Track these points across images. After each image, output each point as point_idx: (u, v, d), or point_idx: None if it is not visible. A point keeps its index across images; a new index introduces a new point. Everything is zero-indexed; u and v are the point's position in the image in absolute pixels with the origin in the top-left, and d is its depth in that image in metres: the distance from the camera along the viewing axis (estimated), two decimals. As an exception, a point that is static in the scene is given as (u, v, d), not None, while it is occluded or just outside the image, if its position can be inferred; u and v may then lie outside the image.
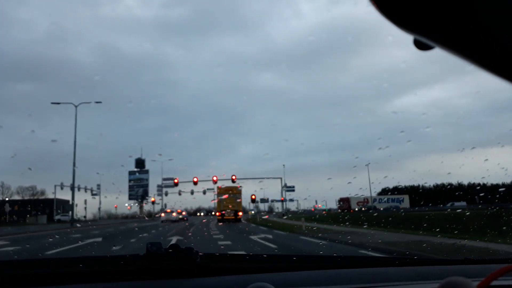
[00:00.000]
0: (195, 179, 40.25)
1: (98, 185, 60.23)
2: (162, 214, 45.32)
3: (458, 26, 0.48)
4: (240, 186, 42.85)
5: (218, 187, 43.56)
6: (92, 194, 60.36)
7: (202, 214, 56.94)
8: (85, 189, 58.47)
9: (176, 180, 44.76)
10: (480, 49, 0.51)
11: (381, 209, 65.26)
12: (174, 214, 44.45)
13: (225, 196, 42.08)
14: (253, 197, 50.52)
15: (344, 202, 77.77)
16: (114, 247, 12.84)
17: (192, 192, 52.43)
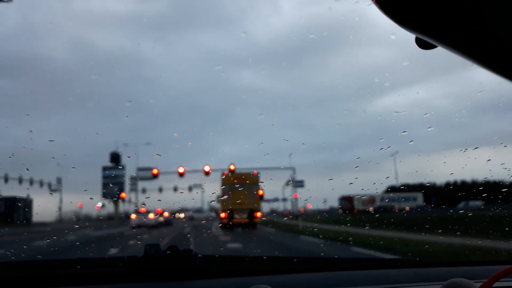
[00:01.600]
0: (181, 170, 26.35)
1: (59, 179, 42.95)
2: (133, 216, 29.60)
3: (461, 25, 0.48)
4: (258, 172, 24.54)
5: (223, 174, 26.43)
6: (51, 190, 47.51)
7: (183, 215, 42.86)
8: (40, 184, 44.56)
9: (155, 171, 30.80)
10: (483, 48, 0.51)
11: (406, 209, 54.98)
12: (151, 215, 29.27)
13: (235, 182, 25.63)
14: (261, 192, 33.44)
15: (347, 201, 67.13)
16: (111, 249, 12.79)
17: (175, 189, 39.35)
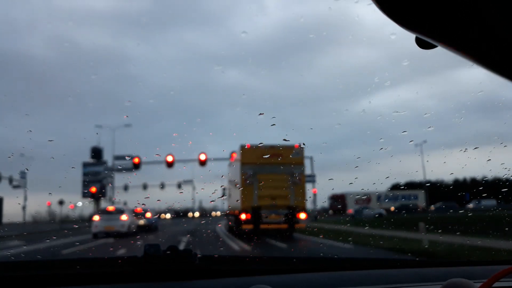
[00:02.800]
0: (169, 159, 20.20)
1: (22, 173, 33.64)
2: (95, 218, 20.08)
3: (461, 25, 0.48)
4: (301, 145, 14.88)
5: (242, 149, 16.50)
6: (13, 186, 39.39)
7: (169, 216, 34.20)
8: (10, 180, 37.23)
9: (136, 159, 22.37)
10: (483, 48, 0.51)
11: (431, 208, 46.37)
12: (123, 216, 20.00)
13: (264, 161, 15.18)
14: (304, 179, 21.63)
15: (338, 200, 56.98)
16: (111, 249, 12.79)
17: (162, 186, 30.03)
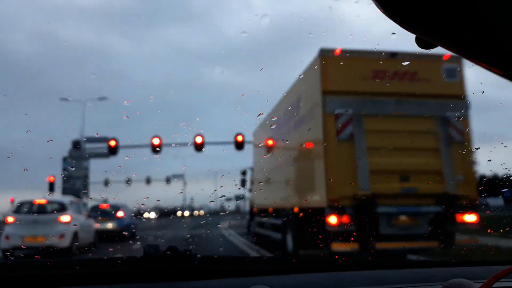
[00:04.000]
0: (156, 141, 15.36)
1: None
2: (8, 219, 9.75)
3: (461, 25, 0.48)
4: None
5: (324, 56, 6.25)
6: None
7: (154, 215, 25.52)
8: None
9: (112, 143, 15.94)
10: (483, 48, 0.51)
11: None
12: (64, 217, 10.05)
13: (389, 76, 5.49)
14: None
15: None
16: (111, 249, 12.75)
17: (148, 181, 25.99)
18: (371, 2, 0.47)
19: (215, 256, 1.50)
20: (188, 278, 1.36)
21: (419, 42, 0.55)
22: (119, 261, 1.45)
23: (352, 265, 1.67)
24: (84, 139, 24.73)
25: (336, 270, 1.52)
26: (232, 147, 15.39)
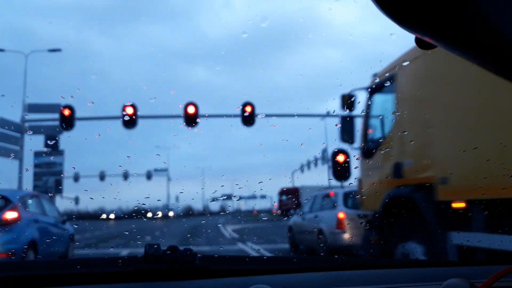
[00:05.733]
0: (130, 111, 11.20)
1: None
2: None
3: (461, 25, 0.48)
4: None
5: None
6: None
7: (112, 216, 20.30)
8: None
9: (65, 110, 11.15)
10: (483, 48, 0.51)
11: None
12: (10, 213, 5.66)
13: None
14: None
15: (290, 196, 38.64)
16: (111, 248, 12.74)
17: (125, 176, 21.59)
18: (371, 2, 0.47)
19: (216, 255, 1.51)
20: (188, 277, 1.36)
21: (419, 42, 0.55)
22: (119, 261, 1.45)
23: (352, 265, 1.67)
24: (25, 106, 17.07)
25: (335, 270, 1.52)
26: (234, 125, 11.45)
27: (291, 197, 38.07)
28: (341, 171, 7.89)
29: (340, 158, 7.97)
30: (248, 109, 11.90)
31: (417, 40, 0.55)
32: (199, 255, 1.41)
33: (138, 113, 11.82)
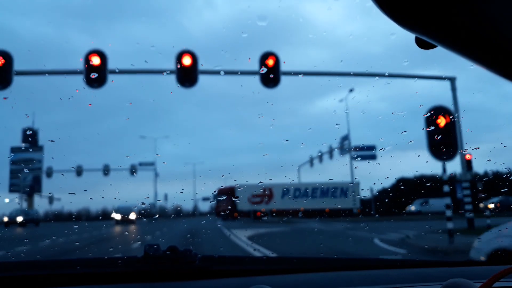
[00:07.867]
0: (96, 60, 7.56)
1: None
2: None
3: (461, 25, 0.48)
4: None
5: None
6: None
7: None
8: None
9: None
10: (483, 48, 0.51)
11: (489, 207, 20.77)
12: None
13: None
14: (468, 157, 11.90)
15: (223, 196, 28.46)
16: (111, 249, 12.73)
17: (106, 171, 19.33)
18: (371, 2, 0.47)
19: (216, 256, 1.50)
20: (188, 278, 1.36)
21: (419, 42, 0.55)
22: (119, 261, 1.45)
23: (351, 265, 1.67)
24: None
25: (335, 270, 1.52)
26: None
27: (224, 200, 31.07)
28: (442, 143, 5.26)
29: (440, 121, 5.44)
30: (270, 62, 7.97)
31: (417, 40, 0.55)
32: (199, 256, 1.41)
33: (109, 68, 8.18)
